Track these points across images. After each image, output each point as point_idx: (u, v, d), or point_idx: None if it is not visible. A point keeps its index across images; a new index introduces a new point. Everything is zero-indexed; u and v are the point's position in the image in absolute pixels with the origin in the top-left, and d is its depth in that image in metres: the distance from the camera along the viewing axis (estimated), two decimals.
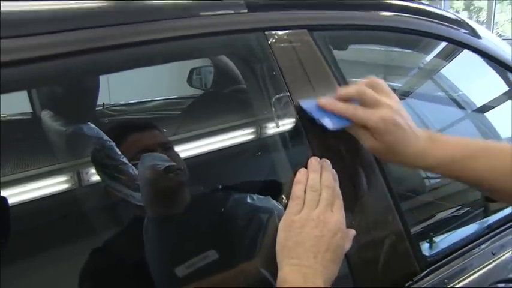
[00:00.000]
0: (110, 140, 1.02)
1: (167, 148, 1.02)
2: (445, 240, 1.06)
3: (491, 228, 1.12)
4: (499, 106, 1.58)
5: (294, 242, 0.70)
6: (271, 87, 0.86)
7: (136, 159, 0.97)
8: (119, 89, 1.71)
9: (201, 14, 0.78)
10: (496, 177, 0.79)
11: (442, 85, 1.58)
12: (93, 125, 1.09)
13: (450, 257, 0.98)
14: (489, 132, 1.53)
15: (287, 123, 0.87)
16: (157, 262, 0.93)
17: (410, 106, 1.41)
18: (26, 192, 1.03)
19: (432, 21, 1.18)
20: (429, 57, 1.53)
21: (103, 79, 1.09)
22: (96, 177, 1.05)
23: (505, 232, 1.11)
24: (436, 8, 1.34)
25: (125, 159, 0.99)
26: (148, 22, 0.73)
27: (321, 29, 0.82)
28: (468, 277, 0.98)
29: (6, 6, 0.65)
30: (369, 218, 0.87)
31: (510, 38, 4.83)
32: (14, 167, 1.07)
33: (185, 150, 1.12)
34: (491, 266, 1.03)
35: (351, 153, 0.87)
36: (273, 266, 0.71)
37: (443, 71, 1.55)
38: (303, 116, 0.83)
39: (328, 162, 0.78)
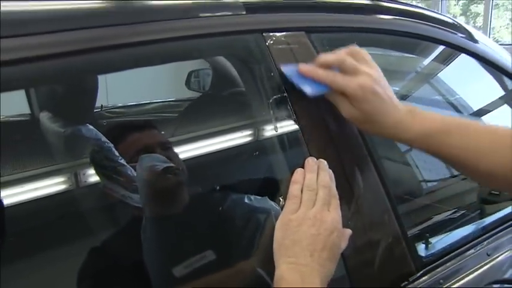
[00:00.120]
0: (109, 141, 1.03)
1: (166, 148, 1.03)
2: (440, 241, 1.07)
3: (487, 229, 1.13)
4: (495, 110, 1.59)
5: (290, 241, 0.71)
6: (268, 89, 0.86)
7: (136, 159, 0.97)
8: (117, 91, 1.72)
9: (200, 15, 0.79)
10: (469, 155, 0.79)
11: (439, 89, 1.59)
12: (91, 127, 1.09)
13: (446, 258, 0.99)
14: None
15: (284, 125, 0.87)
16: (155, 262, 0.93)
17: None
18: (24, 193, 1.03)
19: (429, 25, 1.19)
20: (426, 61, 1.54)
21: (101, 81, 1.09)
22: (93, 178, 1.05)
23: (500, 234, 1.12)
24: (433, 11, 1.35)
25: (123, 161, 0.99)
26: (147, 23, 0.74)
27: (318, 31, 0.83)
28: (463, 278, 0.99)
29: (6, 6, 0.66)
30: (365, 219, 0.88)
31: (507, 43, 4.86)
32: (11, 167, 1.07)
33: (183, 151, 1.12)
34: (486, 266, 1.04)
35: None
36: (270, 266, 0.72)
37: (440, 74, 1.56)
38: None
39: (325, 162, 0.79)
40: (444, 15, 1.44)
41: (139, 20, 0.73)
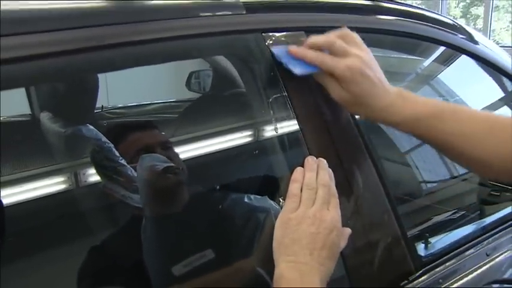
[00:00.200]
0: (109, 141, 1.03)
1: (167, 147, 1.03)
2: (440, 241, 1.07)
3: (486, 229, 1.13)
4: (495, 112, 1.59)
5: (290, 239, 0.71)
6: (268, 88, 0.87)
7: (136, 159, 0.98)
8: (117, 92, 1.73)
9: (200, 14, 0.79)
10: (462, 141, 0.79)
11: (439, 90, 1.59)
12: (92, 127, 1.10)
13: (445, 258, 0.99)
14: None
15: (284, 124, 0.88)
16: (155, 262, 0.93)
17: None
18: (24, 192, 1.04)
19: (429, 25, 1.19)
20: (426, 62, 1.54)
21: (102, 82, 1.10)
22: (93, 178, 1.05)
23: (499, 234, 1.12)
24: (433, 12, 1.35)
25: (123, 161, 1.00)
26: (148, 22, 0.74)
27: (318, 31, 0.83)
28: (463, 277, 0.99)
29: (6, 5, 0.66)
30: (365, 218, 0.88)
31: (507, 45, 4.86)
32: (12, 167, 1.08)
33: (183, 152, 1.12)
34: (485, 267, 1.04)
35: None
36: (269, 265, 0.72)
37: (440, 76, 1.56)
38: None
39: (325, 161, 0.79)
40: (444, 16, 1.44)
41: (139, 19, 0.74)
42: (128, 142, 1.02)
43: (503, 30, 5.59)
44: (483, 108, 1.59)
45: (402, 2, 1.26)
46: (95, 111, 1.50)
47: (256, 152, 0.98)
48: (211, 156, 1.13)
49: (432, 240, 1.05)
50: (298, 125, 0.84)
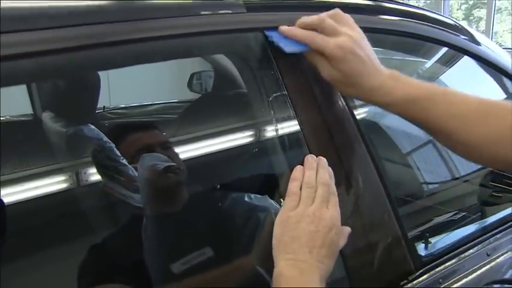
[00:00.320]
0: (110, 141, 1.03)
1: (167, 147, 1.04)
2: (440, 241, 1.07)
3: (487, 230, 1.13)
4: None
5: (289, 237, 0.71)
6: (268, 87, 0.87)
7: (137, 159, 0.98)
8: (119, 93, 1.73)
9: (201, 13, 0.79)
10: (455, 125, 0.78)
11: None
12: (93, 127, 1.10)
13: (445, 257, 0.99)
14: None
15: (284, 123, 0.88)
16: (156, 261, 0.93)
17: None
18: (26, 191, 1.04)
19: (431, 26, 1.19)
20: (428, 63, 1.54)
21: (104, 83, 1.10)
22: (94, 177, 1.06)
23: (500, 234, 1.12)
24: (434, 12, 1.35)
25: (124, 161, 1.00)
26: (148, 20, 0.74)
27: None
28: (463, 277, 0.99)
29: (7, 3, 0.67)
30: (365, 217, 0.88)
31: (509, 47, 4.86)
32: (14, 166, 1.08)
33: (184, 151, 1.13)
34: (486, 267, 1.04)
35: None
36: (269, 263, 0.72)
37: (442, 77, 1.56)
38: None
39: (325, 160, 0.79)
40: (446, 17, 1.44)
41: (140, 17, 0.74)
42: (128, 142, 1.03)
43: (506, 32, 5.58)
44: None
45: (404, 2, 1.26)
46: (97, 111, 1.51)
47: (256, 150, 0.98)
48: (211, 156, 1.14)
49: (432, 240, 1.05)
50: (299, 124, 0.84)
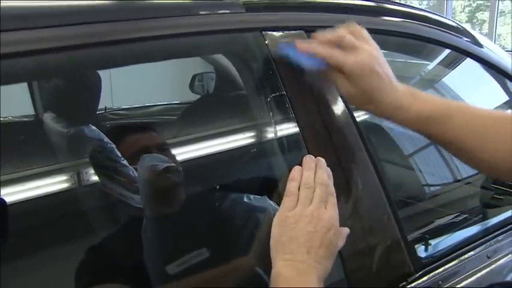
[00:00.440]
0: (111, 142, 1.04)
1: (164, 149, 1.04)
2: (440, 243, 1.07)
3: (487, 232, 1.13)
4: None
5: (287, 238, 0.71)
6: (267, 87, 0.87)
7: (134, 159, 0.98)
8: (122, 94, 1.74)
9: (200, 13, 0.80)
10: (472, 140, 0.78)
11: (443, 93, 1.59)
12: (94, 127, 1.10)
13: (445, 259, 0.99)
14: None
15: (283, 123, 0.88)
16: (155, 262, 0.93)
17: None
18: (27, 191, 1.04)
19: (433, 27, 1.19)
20: (431, 65, 1.54)
21: (106, 84, 1.11)
22: (95, 177, 1.06)
23: (501, 236, 1.12)
24: (437, 14, 1.35)
25: (125, 162, 1.00)
26: (147, 19, 0.74)
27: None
28: (463, 279, 0.98)
29: (7, 2, 0.67)
30: (364, 218, 0.87)
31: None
32: (16, 166, 1.09)
33: (182, 153, 1.13)
34: (486, 269, 1.03)
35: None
36: (267, 264, 0.72)
37: (445, 79, 1.56)
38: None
39: (323, 160, 0.79)
40: (448, 19, 1.44)
41: (139, 16, 0.74)
42: (125, 143, 1.03)
43: (509, 34, 5.56)
44: None
45: (406, 4, 1.26)
46: (99, 112, 1.51)
47: (254, 150, 0.98)
48: (210, 157, 1.14)
49: (433, 242, 1.05)
50: (297, 124, 0.84)
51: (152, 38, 0.74)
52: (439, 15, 1.36)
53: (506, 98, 1.56)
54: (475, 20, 6.08)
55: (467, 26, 1.71)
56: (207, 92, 1.98)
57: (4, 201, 0.85)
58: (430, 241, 1.04)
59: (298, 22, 0.90)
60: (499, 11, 4.96)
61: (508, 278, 1.09)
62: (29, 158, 1.12)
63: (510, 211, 1.25)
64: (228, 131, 1.17)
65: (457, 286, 0.97)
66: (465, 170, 1.44)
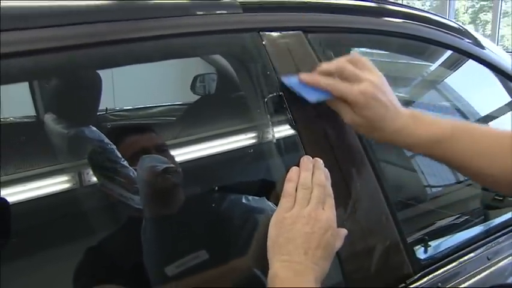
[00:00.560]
0: (111, 143, 1.04)
1: (163, 150, 1.04)
2: (440, 245, 1.06)
3: (488, 233, 1.12)
4: (502, 116, 1.58)
5: (285, 239, 0.70)
6: (264, 88, 0.87)
7: (134, 161, 0.98)
8: (124, 95, 1.74)
9: (197, 13, 0.80)
10: (478, 160, 0.79)
11: (446, 94, 1.59)
12: (94, 128, 1.11)
13: (444, 261, 0.98)
14: None
15: (280, 124, 0.88)
16: (155, 263, 0.93)
17: None
18: (28, 191, 1.04)
19: (434, 28, 1.19)
20: (433, 67, 1.53)
21: (109, 85, 1.11)
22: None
23: (502, 238, 1.11)
24: (438, 15, 1.34)
25: (125, 163, 1.00)
26: (145, 19, 0.75)
27: (316, 31, 0.84)
28: (462, 281, 0.98)
29: (7, 2, 0.67)
30: (362, 220, 0.87)
31: None
32: (17, 167, 1.09)
33: (181, 154, 1.13)
34: (487, 271, 1.03)
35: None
36: (265, 265, 0.72)
37: (447, 80, 1.55)
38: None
39: (321, 161, 0.79)
40: (450, 20, 1.43)
41: (136, 16, 0.74)
42: (125, 144, 1.03)
43: None
44: (489, 113, 1.58)
45: (408, 5, 1.26)
46: (100, 113, 1.52)
47: (251, 151, 0.98)
48: (209, 158, 1.14)
49: (433, 243, 1.04)
50: (295, 125, 0.84)
51: (149, 38, 0.75)
52: (441, 16, 1.35)
53: (507, 99, 1.55)
54: (478, 21, 6.06)
55: (470, 27, 1.71)
56: (208, 92, 1.98)
57: (7, 201, 0.85)
58: (429, 242, 1.04)
59: (295, 22, 0.90)
60: (502, 11, 4.94)
61: (509, 280, 1.08)
62: (30, 159, 1.12)
63: (511, 213, 1.24)
64: (225, 132, 1.17)
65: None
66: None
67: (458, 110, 1.57)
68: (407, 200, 1.33)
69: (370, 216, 0.88)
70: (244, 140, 1.08)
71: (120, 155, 1.01)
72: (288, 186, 0.75)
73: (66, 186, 1.10)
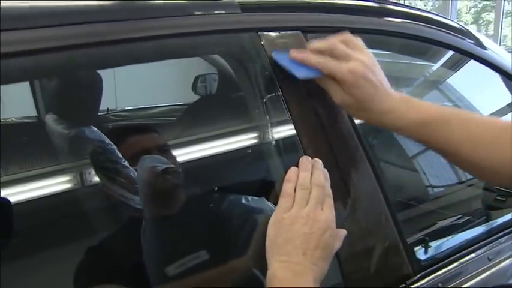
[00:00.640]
0: (112, 143, 1.04)
1: (164, 150, 1.04)
2: (441, 245, 1.06)
3: (489, 234, 1.12)
4: (504, 117, 1.58)
5: (283, 239, 0.70)
6: (263, 87, 0.87)
7: (134, 161, 0.98)
8: (125, 95, 1.74)
9: (195, 13, 0.80)
10: (468, 147, 0.78)
11: (447, 94, 1.58)
12: (95, 129, 1.11)
13: (445, 261, 0.98)
14: None
15: (279, 124, 0.87)
16: (155, 263, 0.93)
17: None
18: (29, 191, 1.05)
19: (435, 28, 1.18)
20: (435, 67, 1.53)
21: (111, 85, 1.11)
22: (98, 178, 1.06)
23: (503, 238, 1.11)
24: (440, 15, 1.34)
25: (126, 163, 1.01)
26: (144, 19, 0.75)
27: (314, 31, 0.83)
28: (463, 282, 0.97)
29: (7, 2, 0.68)
30: (362, 220, 0.87)
31: None
32: (19, 167, 1.09)
33: (181, 154, 1.13)
34: (488, 272, 1.02)
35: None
36: (264, 265, 0.71)
37: (449, 80, 1.55)
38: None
39: (320, 161, 0.78)
40: (451, 20, 1.43)
41: (136, 16, 0.74)
42: (126, 145, 1.03)
43: None
44: (491, 114, 1.57)
45: (409, 5, 1.25)
46: (101, 113, 1.52)
47: (250, 151, 0.97)
48: (209, 159, 1.14)
49: (433, 244, 1.04)
50: (294, 125, 0.84)
51: (148, 38, 0.75)
52: (442, 16, 1.35)
53: (509, 99, 1.55)
54: (480, 21, 6.05)
55: (473, 27, 1.70)
56: (210, 92, 1.98)
57: (9, 201, 0.86)
58: (430, 243, 1.03)
59: (294, 22, 0.90)
60: (504, 11, 4.93)
61: (511, 281, 1.07)
62: (31, 159, 1.13)
63: (510, 214, 1.24)
64: (225, 132, 1.17)
65: None
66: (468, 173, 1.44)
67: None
68: (409, 200, 1.33)
69: (369, 216, 0.88)
70: (242, 140, 1.08)
71: (120, 156, 1.01)
72: (287, 187, 0.75)
73: (66, 186, 1.10)
